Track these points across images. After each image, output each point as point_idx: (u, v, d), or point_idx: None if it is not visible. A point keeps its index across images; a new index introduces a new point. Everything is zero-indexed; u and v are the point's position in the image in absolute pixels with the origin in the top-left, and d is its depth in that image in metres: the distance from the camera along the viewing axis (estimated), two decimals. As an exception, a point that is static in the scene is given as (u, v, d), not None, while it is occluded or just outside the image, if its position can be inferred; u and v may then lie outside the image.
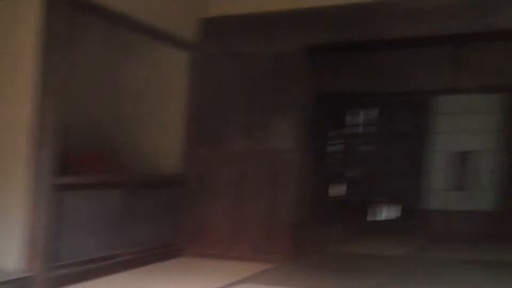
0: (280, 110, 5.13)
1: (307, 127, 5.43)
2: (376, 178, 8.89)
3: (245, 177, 5.18)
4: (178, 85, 5.46)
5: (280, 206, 5.03)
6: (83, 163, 4.25)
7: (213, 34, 5.40)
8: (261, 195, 5.11)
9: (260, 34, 5.24)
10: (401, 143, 8.71)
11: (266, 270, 4.57)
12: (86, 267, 3.99)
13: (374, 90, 8.09)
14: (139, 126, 5.38)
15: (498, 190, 7.20)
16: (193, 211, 5.28)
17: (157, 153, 5.34)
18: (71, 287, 3.70)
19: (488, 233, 6.99)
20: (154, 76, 5.49)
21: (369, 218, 8.85)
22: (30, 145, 3.58)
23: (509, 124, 7.44)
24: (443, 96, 7.72)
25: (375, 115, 9.08)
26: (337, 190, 9.02)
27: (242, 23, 5.31)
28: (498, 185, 7.20)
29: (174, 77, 5.47)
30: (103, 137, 4.88)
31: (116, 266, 4.30)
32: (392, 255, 5.54)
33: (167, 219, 5.06)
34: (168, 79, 5.47)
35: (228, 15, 5.36)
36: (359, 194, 8.97)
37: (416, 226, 7.49)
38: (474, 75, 7.50)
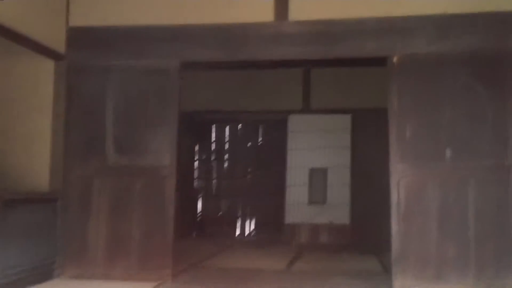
0: (154, 126, 5.06)
1: (179, 144, 5.40)
2: (241, 193, 9.14)
3: (121, 194, 5.03)
4: (45, 97, 5.13)
5: (157, 223, 4.94)
6: None
7: (84, 45, 5.19)
8: (137, 212, 4.98)
9: (132, 48, 5.15)
10: (263, 160, 9.08)
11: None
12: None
13: (236, 108, 8.34)
14: (2, 139, 4.95)
15: (351, 204, 7.72)
16: (69, 229, 5.00)
17: (25, 168, 4.98)
18: None
19: (345, 244, 7.48)
20: (18, 86, 5.11)
21: (237, 232, 9.03)
22: None
23: (356, 142, 8.05)
24: (297, 115, 8.13)
25: (239, 131, 9.33)
26: (205, 205, 9.13)
27: (113, 36, 5.18)
28: (351, 199, 7.72)
29: (41, 88, 5.14)
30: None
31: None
32: (268, 268, 5.64)
33: (42, 238, 4.74)
34: (34, 89, 5.13)
35: (100, 26, 5.21)
36: (225, 209, 9.14)
37: (281, 239, 7.75)
38: (324, 97, 8.08)
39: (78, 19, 5.25)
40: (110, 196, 5.04)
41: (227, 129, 9.37)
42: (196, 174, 9.15)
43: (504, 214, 4.43)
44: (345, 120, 8.01)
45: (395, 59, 4.72)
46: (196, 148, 9.19)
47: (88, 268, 4.95)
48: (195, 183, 9.13)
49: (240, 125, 9.32)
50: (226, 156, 9.38)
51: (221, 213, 9.21)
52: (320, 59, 5.12)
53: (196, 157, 9.18)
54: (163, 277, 4.82)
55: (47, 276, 4.77)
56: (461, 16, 4.64)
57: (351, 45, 4.85)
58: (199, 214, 9.14)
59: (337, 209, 7.75)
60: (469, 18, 4.63)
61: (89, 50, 5.20)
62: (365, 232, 7.70)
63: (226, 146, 9.36)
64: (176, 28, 5.09)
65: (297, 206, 7.83)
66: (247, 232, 9.08)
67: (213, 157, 9.39)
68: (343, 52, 4.90)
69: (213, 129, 9.38)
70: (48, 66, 5.15)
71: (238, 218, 9.16)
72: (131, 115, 5.11)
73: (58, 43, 5.12)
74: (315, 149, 7.97)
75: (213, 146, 9.39)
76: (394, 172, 4.61)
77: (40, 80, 5.15)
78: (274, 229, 8.59)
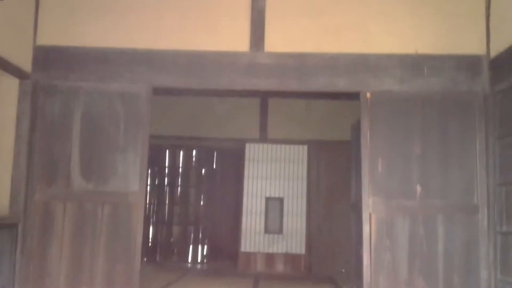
0: (122, 151, 4.95)
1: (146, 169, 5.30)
2: (194, 219, 9.05)
3: (85, 219, 4.87)
4: (8, 116, 4.94)
5: (123, 251, 4.81)
6: None
7: (51, 65, 5.06)
8: (102, 239, 4.84)
9: (102, 70, 5.05)
10: (217, 187, 9.05)
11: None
12: None
13: (192, 134, 8.27)
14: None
15: (305, 233, 7.78)
16: (29, 255, 4.79)
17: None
18: None
19: (301, 274, 7.51)
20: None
21: (189, 259, 8.91)
22: None
23: (313, 173, 8.16)
24: (254, 144, 8.16)
25: (193, 157, 9.26)
26: (156, 231, 8.99)
27: (82, 56, 5.06)
28: (307, 229, 7.78)
29: (4, 107, 4.96)
30: None
31: None
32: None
33: (1, 265, 4.46)
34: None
35: (68, 46, 5.09)
36: (177, 236, 9.02)
37: (236, 268, 7.69)
38: (281, 127, 8.16)
39: (46, 38, 5.11)
40: (74, 221, 4.86)
41: (181, 154, 9.29)
42: (148, 199, 8.98)
43: (473, 252, 4.60)
44: (302, 151, 8.10)
45: (368, 95, 4.85)
46: (149, 172, 9.04)
47: (48, 296, 4.75)
48: (147, 208, 8.95)
49: (194, 151, 9.26)
50: (179, 182, 9.27)
51: (172, 239, 9.07)
52: (294, 91, 5.13)
53: (149, 182, 9.02)
54: (128, 307, 4.68)
55: (5, 305, 4.54)
56: (431, 57, 4.85)
57: (324, 79, 4.95)
58: (150, 240, 8.97)
59: (293, 238, 7.78)
60: (440, 59, 4.83)
61: (57, 70, 5.06)
62: (321, 262, 7.77)
63: (182, 171, 9.27)
64: (150, 52, 5.04)
65: (253, 235, 7.81)
66: (199, 259, 8.97)
67: (166, 183, 9.26)
68: (316, 86, 4.98)
69: (167, 154, 9.28)
70: (12, 84, 4.98)
71: (190, 245, 9.04)
72: (98, 138, 4.98)
73: (24, 61, 4.95)
74: (271, 178, 8.01)
75: (166, 171, 9.27)
76: (365, 205, 4.70)
77: (4, 99, 4.96)
78: (228, 257, 8.53)
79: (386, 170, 4.75)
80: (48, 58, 5.06)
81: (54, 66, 5.06)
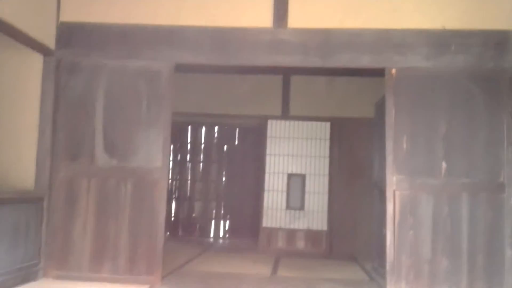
0: (146, 127, 4.97)
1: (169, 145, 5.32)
2: (215, 195, 9.10)
3: (109, 195, 4.92)
4: (33, 93, 4.98)
5: (147, 226, 4.85)
6: None
7: (75, 42, 5.07)
8: (126, 215, 4.88)
9: (126, 47, 5.05)
10: (239, 163, 9.07)
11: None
12: None
13: (214, 111, 8.26)
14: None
15: (327, 211, 7.77)
16: (54, 230, 4.87)
17: (10, 165, 4.82)
18: None
19: (321, 252, 7.53)
20: (5, 81, 4.95)
21: (210, 235, 8.99)
22: None
23: (335, 150, 8.12)
24: (276, 120, 8.12)
25: (218, 135, 9.27)
26: (179, 207, 9.07)
27: (106, 34, 5.07)
28: (329, 206, 7.77)
29: (29, 84, 5.01)
30: None
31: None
32: (253, 274, 5.62)
33: (26, 238, 4.57)
34: (21, 85, 4.98)
35: (92, 23, 5.09)
36: (199, 211, 9.09)
37: (257, 244, 7.73)
38: (303, 104, 8.09)
39: (69, 15, 5.12)
40: (98, 197, 4.92)
41: (203, 131, 9.30)
42: (170, 175, 9.04)
43: (498, 231, 4.55)
44: (324, 128, 8.05)
45: (393, 72, 4.78)
46: (171, 149, 9.07)
47: (73, 270, 4.83)
48: (169, 184, 9.02)
49: (216, 127, 9.26)
50: (201, 158, 9.30)
51: (194, 215, 9.14)
52: (318, 67, 5.08)
53: (171, 158, 9.07)
54: (153, 281, 4.73)
55: (31, 277, 4.62)
56: (459, 32, 4.75)
57: (348, 55, 4.89)
58: (172, 215, 9.06)
59: (315, 215, 7.78)
60: (467, 35, 4.73)
61: (80, 47, 5.07)
62: (342, 240, 7.77)
63: (202, 148, 9.29)
64: (173, 29, 5.02)
65: (275, 211, 7.83)
66: (221, 235, 9.04)
67: (188, 159, 9.30)
68: (340, 62, 4.93)
69: (189, 131, 9.30)
70: (36, 61, 5.02)
71: (212, 220, 9.11)
72: (121, 115, 5.00)
73: (48, 38, 4.96)
74: (293, 155, 7.98)
75: (188, 148, 9.31)
76: (389, 183, 4.66)
77: (28, 76, 5.00)
78: (249, 234, 8.58)
79: (411, 148, 4.69)
80: (71, 35, 5.07)
81: (77, 43, 5.07)
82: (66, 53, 5.05)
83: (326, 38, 4.92)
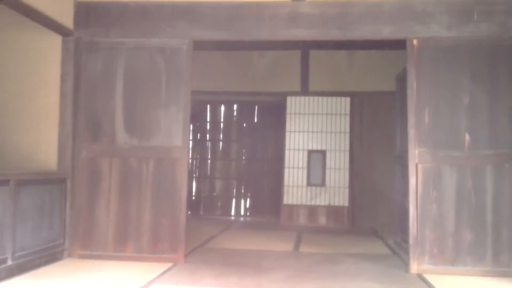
0: (166, 106, 4.96)
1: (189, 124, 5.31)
2: (236, 174, 9.11)
3: (131, 174, 4.94)
4: (53, 73, 5.00)
5: (169, 205, 4.87)
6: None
7: (93, 21, 5.06)
8: (148, 194, 4.90)
9: (143, 25, 5.02)
10: (259, 141, 9.06)
11: (165, 271, 4.40)
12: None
13: (233, 88, 8.23)
14: (9, 117, 4.82)
15: (348, 186, 7.75)
16: (78, 210, 4.91)
17: (33, 147, 4.87)
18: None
19: (343, 227, 7.53)
20: (25, 62, 4.97)
21: (232, 213, 9.04)
22: None
23: (355, 125, 8.07)
24: (295, 97, 8.07)
25: (237, 112, 9.27)
26: (199, 185, 9.12)
27: (123, 12, 5.04)
28: (349, 182, 7.74)
29: (48, 64, 5.01)
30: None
31: (-1, 274, 3.81)
32: (276, 250, 5.63)
33: (50, 218, 4.62)
34: (41, 66, 5.00)
35: (109, 1, 5.06)
36: (220, 190, 9.13)
37: (278, 221, 7.76)
38: (322, 79, 8.02)
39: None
40: (120, 176, 4.94)
41: (222, 109, 9.29)
42: (190, 154, 9.07)
43: (522, 202, 4.49)
44: (344, 103, 7.99)
45: (415, 42, 4.69)
46: (191, 128, 9.08)
47: (97, 249, 4.88)
48: (190, 163, 9.05)
49: (235, 105, 9.25)
50: (221, 137, 9.31)
51: (215, 193, 9.18)
52: (337, 40, 5.01)
53: (191, 137, 9.09)
54: (176, 259, 4.77)
55: (56, 257, 4.69)
56: (481, 0, 4.63)
57: (368, 27, 4.81)
58: (193, 194, 9.11)
59: (336, 191, 7.76)
60: (489, 2, 4.62)
61: (98, 26, 5.06)
62: (364, 215, 7.76)
63: (221, 126, 9.29)
64: (189, 5, 4.98)
65: (296, 188, 7.83)
66: (242, 213, 9.08)
67: (207, 138, 9.32)
68: (360, 34, 4.85)
69: (208, 109, 9.30)
70: (55, 42, 5.02)
71: (233, 198, 9.14)
72: (141, 94, 5.00)
73: (66, 18, 4.95)
74: (313, 131, 7.95)
75: (208, 126, 9.32)
76: (412, 157, 4.61)
77: (48, 57, 5.01)
78: (270, 211, 8.60)
79: (433, 120, 4.62)
80: (89, 14, 5.06)
81: (95, 22, 5.06)
82: (85, 33, 5.04)
83: (345, 10, 4.84)
